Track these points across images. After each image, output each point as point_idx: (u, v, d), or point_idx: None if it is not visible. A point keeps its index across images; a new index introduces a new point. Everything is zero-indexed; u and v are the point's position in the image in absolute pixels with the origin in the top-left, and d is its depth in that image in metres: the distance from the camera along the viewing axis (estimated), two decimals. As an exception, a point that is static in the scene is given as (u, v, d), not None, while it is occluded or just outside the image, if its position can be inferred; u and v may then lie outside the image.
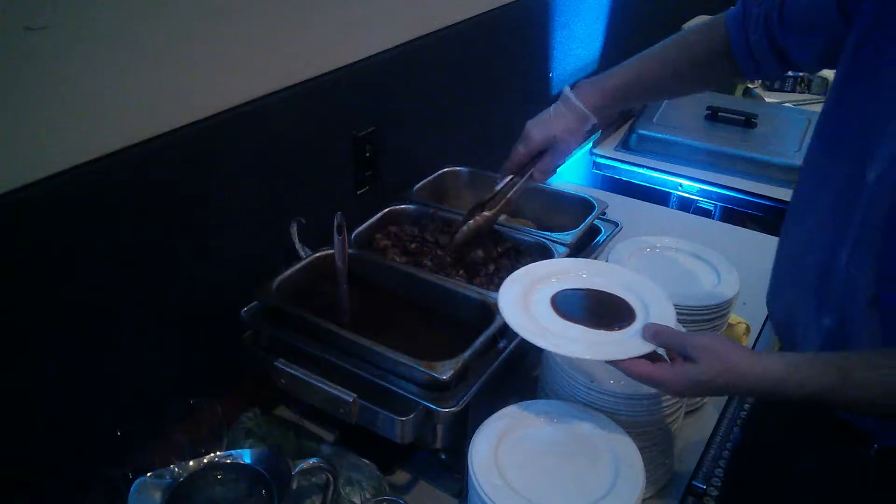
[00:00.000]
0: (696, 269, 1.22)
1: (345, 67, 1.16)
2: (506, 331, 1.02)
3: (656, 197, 2.00)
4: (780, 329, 0.99)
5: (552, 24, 1.69)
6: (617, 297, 0.97)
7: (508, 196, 1.17)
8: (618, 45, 1.98)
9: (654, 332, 0.87)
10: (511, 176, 1.17)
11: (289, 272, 1.09)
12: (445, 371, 0.90)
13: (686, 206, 2.06)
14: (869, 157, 0.78)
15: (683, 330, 0.98)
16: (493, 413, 0.93)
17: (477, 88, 1.52)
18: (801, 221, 0.93)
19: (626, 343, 0.88)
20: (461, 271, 1.16)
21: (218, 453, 0.86)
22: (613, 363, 0.86)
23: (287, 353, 1.00)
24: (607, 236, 1.27)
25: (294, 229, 1.13)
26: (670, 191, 2.03)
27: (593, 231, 1.26)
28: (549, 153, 1.13)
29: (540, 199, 1.37)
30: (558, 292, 0.98)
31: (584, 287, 1.00)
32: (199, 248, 1.01)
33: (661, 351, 0.87)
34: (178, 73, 0.91)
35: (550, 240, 1.18)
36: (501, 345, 1.02)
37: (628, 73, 1.11)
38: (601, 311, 0.95)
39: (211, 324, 1.06)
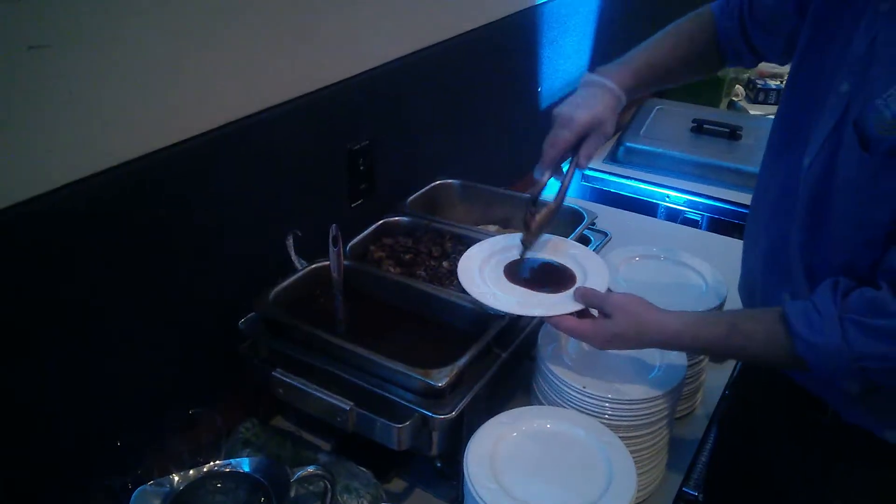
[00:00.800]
0: (684, 277, 1.25)
1: (340, 82, 1.18)
2: (500, 339, 1.04)
3: (644, 208, 2.03)
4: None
5: (541, 41, 1.73)
6: (562, 265, 1.07)
7: (565, 183, 1.08)
8: (605, 61, 2.01)
9: (581, 294, 0.97)
10: (550, 170, 1.04)
11: (285, 283, 1.11)
12: (441, 378, 0.91)
13: (674, 216, 2.09)
14: (805, 146, 0.87)
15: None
16: (488, 420, 0.95)
17: (469, 102, 1.55)
18: (759, 213, 1.00)
19: (558, 303, 0.98)
20: (455, 281, 1.18)
21: (217, 462, 0.87)
22: (546, 319, 0.97)
23: (284, 363, 1.02)
24: (597, 246, 1.29)
25: (290, 241, 1.14)
26: (658, 202, 2.06)
27: (583, 241, 1.28)
28: (593, 136, 1.04)
29: (531, 211, 1.39)
30: (511, 262, 1.08)
31: (533, 257, 1.09)
32: (198, 260, 1.03)
33: (594, 313, 0.97)
34: (176, 89, 0.92)
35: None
36: (496, 352, 1.04)
37: (641, 60, 1.12)
38: (547, 277, 1.05)
39: (209, 334, 1.07)
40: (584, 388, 0.97)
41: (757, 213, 1.01)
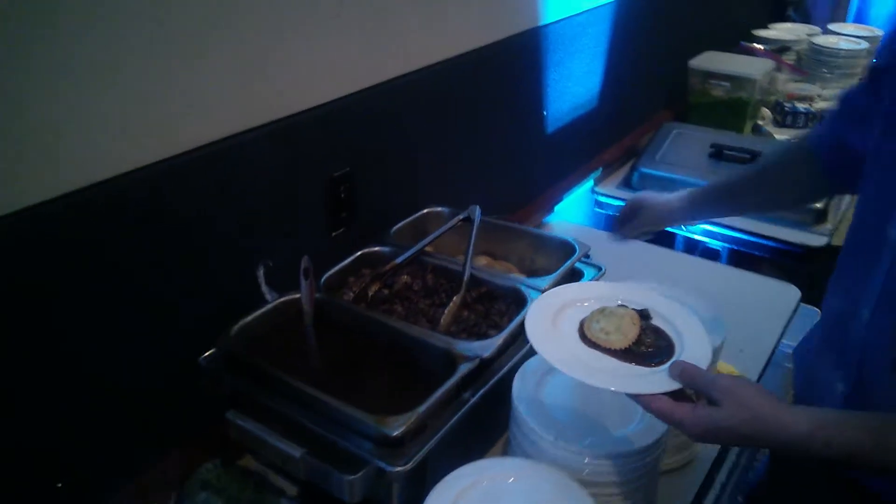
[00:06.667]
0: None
1: (319, 107, 1.14)
2: (471, 381, 0.97)
3: (661, 238, 1.93)
4: (800, 388, 0.96)
5: (545, 62, 1.66)
6: (657, 328, 0.90)
7: (465, 276, 1.16)
8: (615, 83, 1.94)
9: (680, 370, 0.80)
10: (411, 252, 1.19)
11: (252, 317, 1.06)
12: (397, 427, 0.85)
13: (692, 246, 1.99)
14: (891, 215, 0.76)
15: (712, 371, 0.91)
16: (450, 472, 0.87)
17: (461, 127, 1.49)
18: (837, 283, 0.92)
19: (651, 378, 0.82)
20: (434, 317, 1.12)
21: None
22: (633, 397, 0.81)
23: (243, 403, 0.96)
24: (590, 280, 1.21)
25: (261, 273, 1.10)
26: (675, 231, 1.97)
27: (575, 274, 1.21)
28: (638, 216, 1.29)
29: (523, 242, 1.32)
30: (585, 319, 0.91)
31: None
32: (162, 290, 0.98)
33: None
34: (145, 112, 0.89)
35: (526, 285, 1.13)
36: (467, 395, 0.96)
37: (720, 182, 1.22)
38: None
39: (172, 369, 1.02)
40: (556, 439, 0.89)
41: (834, 285, 0.94)
